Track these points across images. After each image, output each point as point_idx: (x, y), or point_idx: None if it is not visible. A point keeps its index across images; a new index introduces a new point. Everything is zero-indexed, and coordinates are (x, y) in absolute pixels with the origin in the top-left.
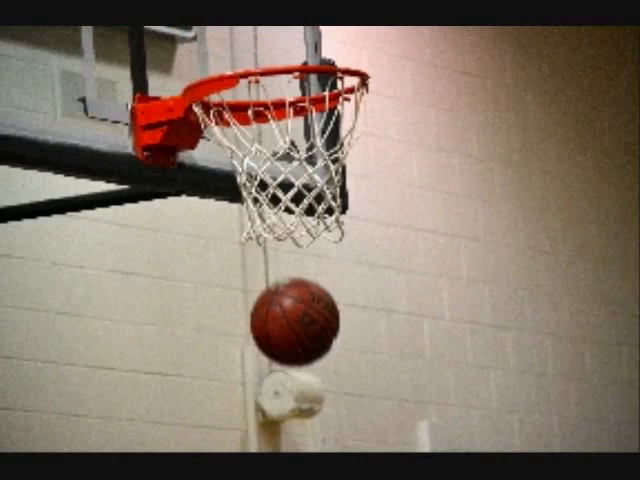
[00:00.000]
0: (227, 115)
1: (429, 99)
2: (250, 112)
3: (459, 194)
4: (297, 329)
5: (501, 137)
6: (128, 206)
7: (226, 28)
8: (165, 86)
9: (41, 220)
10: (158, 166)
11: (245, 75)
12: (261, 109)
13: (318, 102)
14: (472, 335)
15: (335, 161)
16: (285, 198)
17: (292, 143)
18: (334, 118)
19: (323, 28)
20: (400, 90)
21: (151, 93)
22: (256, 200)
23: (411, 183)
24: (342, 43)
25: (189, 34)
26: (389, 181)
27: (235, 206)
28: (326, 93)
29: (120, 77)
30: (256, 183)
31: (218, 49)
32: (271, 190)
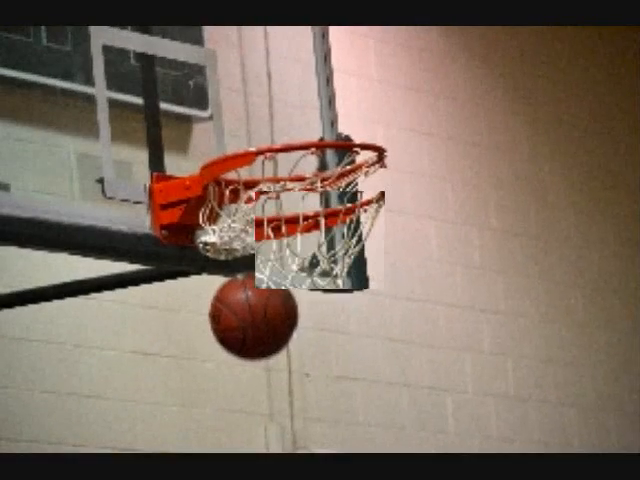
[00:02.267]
0: (242, 192)
1: (445, 173)
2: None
3: (479, 267)
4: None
5: (519, 209)
6: (148, 286)
7: (242, 106)
8: (182, 166)
9: (61, 302)
10: (177, 245)
11: (261, 152)
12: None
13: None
14: (495, 408)
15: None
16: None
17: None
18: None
19: (339, 104)
20: (416, 164)
21: (168, 173)
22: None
23: (430, 257)
24: (357, 118)
25: (205, 113)
26: (408, 256)
27: None
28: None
29: (136, 158)
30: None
31: (234, 127)
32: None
